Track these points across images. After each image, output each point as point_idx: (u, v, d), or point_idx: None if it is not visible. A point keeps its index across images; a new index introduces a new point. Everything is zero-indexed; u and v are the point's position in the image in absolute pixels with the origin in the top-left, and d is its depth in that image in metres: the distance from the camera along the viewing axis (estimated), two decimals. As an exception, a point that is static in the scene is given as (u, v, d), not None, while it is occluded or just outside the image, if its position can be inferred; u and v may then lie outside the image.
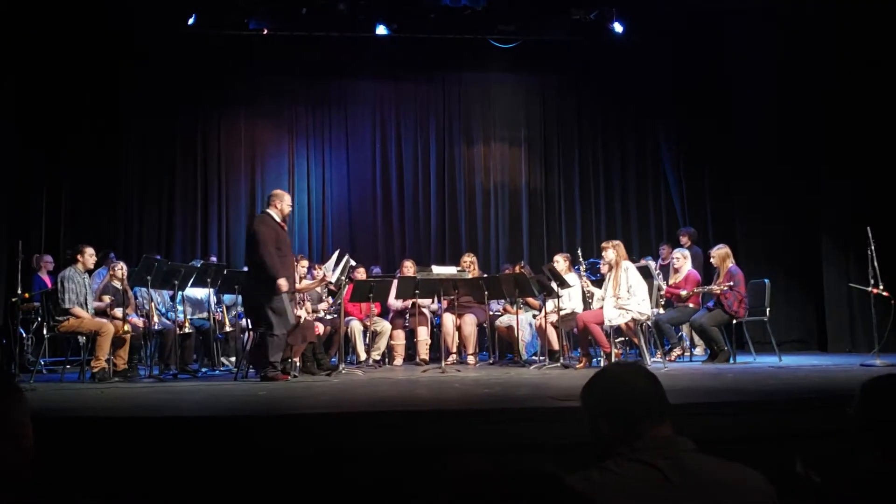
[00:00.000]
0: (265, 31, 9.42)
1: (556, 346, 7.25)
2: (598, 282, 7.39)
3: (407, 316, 8.03)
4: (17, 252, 5.60)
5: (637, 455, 1.62)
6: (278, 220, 6.11)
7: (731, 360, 7.15)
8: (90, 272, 6.75)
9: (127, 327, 6.28)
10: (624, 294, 6.73)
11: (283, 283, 5.79)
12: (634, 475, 1.59)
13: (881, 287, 6.20)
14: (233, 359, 7.66)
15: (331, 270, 6.71)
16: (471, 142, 10.60)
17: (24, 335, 7.31)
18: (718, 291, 7.16)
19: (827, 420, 3.41)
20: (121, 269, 6.93)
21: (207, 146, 10.12)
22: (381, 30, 9.48)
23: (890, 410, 1.84)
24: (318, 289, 7.90)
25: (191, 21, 9.04)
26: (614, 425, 1.69)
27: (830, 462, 2.10)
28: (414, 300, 7.49)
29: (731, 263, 7.36)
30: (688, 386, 4.98)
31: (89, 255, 6.56)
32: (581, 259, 7.42)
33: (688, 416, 3.63)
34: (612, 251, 6.90)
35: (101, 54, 9.10)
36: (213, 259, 8.67)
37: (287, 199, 6.20)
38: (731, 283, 7.11)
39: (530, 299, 7.87)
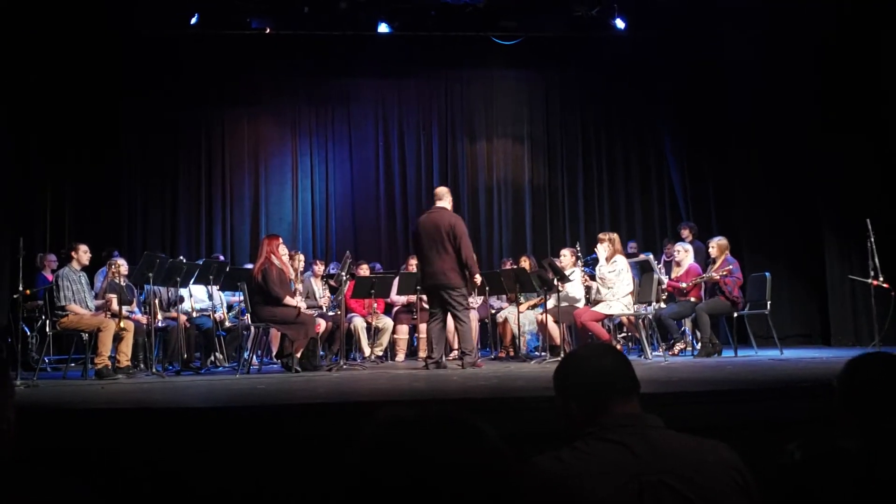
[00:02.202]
0: (267, 31, 9.49)
1: (557, 340, 7.26)
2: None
3: (415, 311, 8.02)
4: (18, 249, 5.63)
5: (605, 434, 1.62)
6: None
7: (734, 354, 7.14)
8: (88, 270, 6.79)
9: (123, 323, 6.31)
10: (605, 288, 6.88)
11: (479, 277, 6.45)
12: (602, 453, 1.59)
13: (881, 279, 6.17)
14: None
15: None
16: (473, 139, 10.60)
17: (29, 333, 7.37)
18: (717, 277, 7.14)
19: (817, 407, 3.42)
20: (122, 265, 6.97)
21: (211, 145, 10.17)
22: (383, 28, 9.52)
23: (869, 384, 1.84)
24: (319, 285, 7.96)
25: (193, 21, 9.11)
26: (583, 404, 1.70)
27: (810, 442, 2.11)
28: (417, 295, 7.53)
29: (728, 254, 7.35)
30: (685, 377, 5.00)
31: (83, 252, 6.60)
32: (579, 255, 7.43)
33: (683, 404, 3.67)
34: (608, 244, 6.94)
35: (105, 53, 9.14)
36: (221, 257, 8.69)
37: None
38: (731, 268, 7.11)
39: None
